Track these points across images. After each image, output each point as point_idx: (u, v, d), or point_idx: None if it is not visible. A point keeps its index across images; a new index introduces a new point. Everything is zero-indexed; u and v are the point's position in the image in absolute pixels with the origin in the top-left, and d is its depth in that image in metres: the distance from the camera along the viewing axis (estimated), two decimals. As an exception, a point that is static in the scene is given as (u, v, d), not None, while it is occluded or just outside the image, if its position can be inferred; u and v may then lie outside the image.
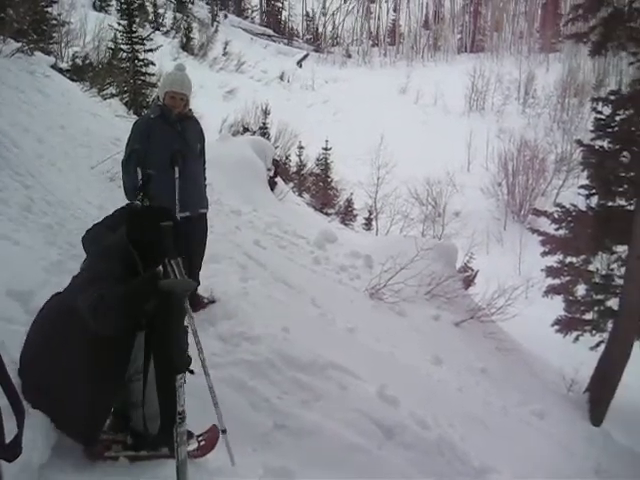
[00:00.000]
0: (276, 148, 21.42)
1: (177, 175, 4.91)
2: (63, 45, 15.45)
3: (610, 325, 11.87)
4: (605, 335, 12.05)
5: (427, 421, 5.04)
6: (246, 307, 5.73)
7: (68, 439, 3.18)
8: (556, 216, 12.63)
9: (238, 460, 3.62)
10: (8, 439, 1.62)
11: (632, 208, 11.26)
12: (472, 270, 16.43)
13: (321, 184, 27.48)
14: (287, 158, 27.22)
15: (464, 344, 9.16)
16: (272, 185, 14.81)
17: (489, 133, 42.50)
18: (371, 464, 4.31)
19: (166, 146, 4.94)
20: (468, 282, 13.05)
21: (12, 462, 1.62)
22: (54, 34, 14.26)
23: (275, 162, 16.07)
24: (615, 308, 11.73)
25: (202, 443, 3.60)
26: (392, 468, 4.36)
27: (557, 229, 12.61)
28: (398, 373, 6.09)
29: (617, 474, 7.58)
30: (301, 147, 27.85)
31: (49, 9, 13.34)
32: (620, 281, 11.83)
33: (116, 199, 7.85)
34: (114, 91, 14.83)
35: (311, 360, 4.94)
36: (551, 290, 13.00)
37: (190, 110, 5.25)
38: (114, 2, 27.18)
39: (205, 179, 5.48)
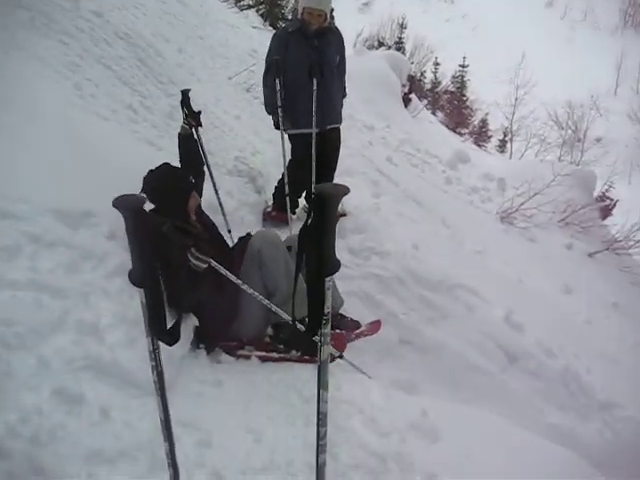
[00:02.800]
0: (411, 64, 20.93)
1: (315, 87, 4.92)
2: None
3: None
4: None
5: (553, 350, 4.95)
6: (377, 222, 5.75)
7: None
8: None
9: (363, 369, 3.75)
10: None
11: None
12: (611, 200, 15.66)
13: (456, 102, 26.80)
14: (422, 74, 26.60)
15: (597, 276, 8.83)
16: (406, 101, 14.58)
17: (644, 53, 39.14)
18: (493, 387, 4.32)
19: (303, 59, 4.94)
20: (606, 212, 12.48)
21: (172, 346, 1.76)
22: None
23: (410, 78, 15.75)
24: None
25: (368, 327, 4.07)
26: (513, 394, 4.35)
27: None
28: (526, 299, 5.98)
29: None
30: (437, 63, 27.10)
31: None
32: None
33: (253, 111, 8.03)
34: (251, 2, 14.88)
35: (439, 279, 4.94)
36: (697, 226, 12.19)
37: (331, 22, 5.18)
38: None
39: (345, 90, 5.45)
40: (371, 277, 4.71)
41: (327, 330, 1.65)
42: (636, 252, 10.37)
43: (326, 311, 1.63)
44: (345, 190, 1.58)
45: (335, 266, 1.64)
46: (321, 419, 1.79)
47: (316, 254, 1.60)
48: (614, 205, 14.09)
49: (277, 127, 5.14)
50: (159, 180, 3.58)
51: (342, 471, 2.78)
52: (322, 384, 1.76)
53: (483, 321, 4.76)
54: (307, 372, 3.39)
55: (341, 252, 4.98)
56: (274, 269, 3.62)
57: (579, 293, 7.57)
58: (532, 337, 4.95)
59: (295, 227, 5.12)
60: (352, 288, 4.53)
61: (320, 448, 1.86)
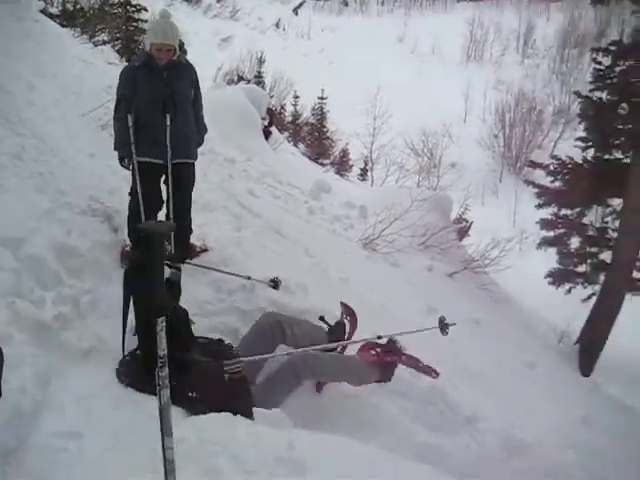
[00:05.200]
0: (271, 97, 21.18)
1: (168, 123, 4.82)
2: (53, -11, 15.10)
3: (602, 278, 11.92)
4: (597, 288, 12.12)
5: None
6: (239, 256, 5.69)
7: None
8: (552, 168, 12.58)
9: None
10: None
11: (628, 161, 11.20)
12: (466, 221, 16.42)
13: (316, 134, 27.27)
14: (282, 107, 26.97)
15: (457, 295, 9.19)
16: (267, 134, 14.69)
17: (487, 84, 41.97)
18: (363, 411, 4.35)
19: (154, 94, 4.83)
20: (462, 233, 13.05)
21: None
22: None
23: (270, 111, 15.91)
24: (608, 261, 11.77)
25: None
26: (383, 416, 4.39)
27: (552, 181, 12.59)
28: (391, 323, 6.09)
29: (605, 424, 7.67)
30: (296, 96, 27.59)
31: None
32: (614, 234, 11.84)
33: (108, 148, 7.77)
34: (106, 38, 14.57)
35: (304, 308, 4.93)
36: (545, 242, 13.02)
37: (181, 55, 5.07)
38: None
39: (205, 126, 5.38)
40: (235, 311, 4.63)
41: (164, 373, 1.56)
42: (492, 270, 10.90)
43: (161, 354, 1.54)
44: (171, 227, 1.52)
45: (166, 306, 1.55)
46: (168, 467, 1.68)
47: (145, 295, 1.51)
48: (470, 226, 14.76)
49: (122, 163, 5.00)
50: None
51: (210, 515, 2.67)
52: (165, 431, 1.65)
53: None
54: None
55: (203, 288, 4.87)
56: None
57: (442, 312, 7.75)
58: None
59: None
60: (215, 324, 4.43)
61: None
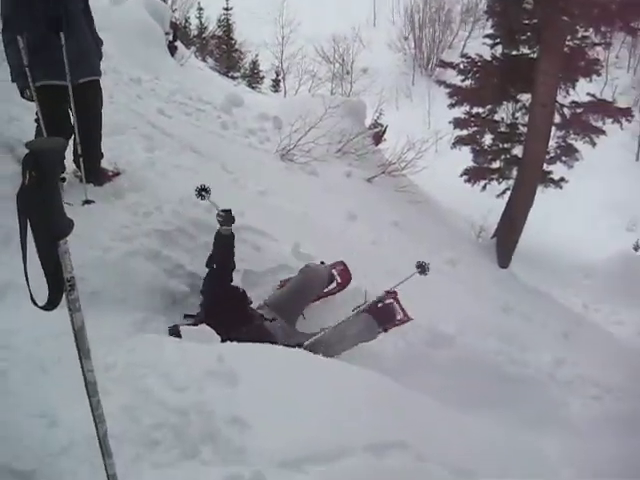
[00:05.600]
0: (173, 11, 20.25)
1: (63, 41, 4.47)
2: None
3: (515, 172, 12.26)
4: (511, 182, 12.47)
5: (344, 275, 5.14)
6: (153, 177, 5.54)
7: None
8: (462, 67, 12.62)
9: (156, 326, 3.66)
10: None
11: (535, 56, 11.35)
12: (382, 126, 16.46)
13: (224, 47, 26.38)
14: (186, 21, 25.90)
15: (377, 199, 9.30)
16: (172, 50, 14.10)
17: (394, -16, 41.00)
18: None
19: (40, 12, 4.44)
20: (378, 138, 13.09)
21: None
22: None
23: (173, 25, 15.22)
24: (520, 156, 12.08)
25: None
26: (309, 322, 4.48)
27: (463, 80, 12.65)
28: (313, 231, 6.14)
29: (523, 310, 8.07)
30: (200, 8, 26.45)
31: None
32: (524, 129, 12.11)
33: (3, 76, 7.32)
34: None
35: (224, 224, 4.88)
36: (459, 141, 13.22)
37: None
38: None
39: (99, 39, 5.04)
40: (153, 233, 4.53)
41: (74, 296, 1.50)
42: (409, 172, 11.04)
43: (68, 276, 1.48)
44: (62, 144, 1.42)
45: (66, 226, 1.47)
46: (90, 389, 1.65)
47: (42, 217, 1.43)
48: (385, 130, 14.80)
49: (23, 95, 4.62)
50: None
51: (145, 433, 2.69)
52: (83, 353, 1.61)
53: (272, 258, 4.81)
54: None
55: (120, 212, 4.74)
56: None
57: (363, 217, 7.91)
58: (321, 265, 5.09)
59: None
60: (136, 247, 4.33)
61: (97, 419, 1.74)
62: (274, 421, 2.77)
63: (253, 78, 25.25)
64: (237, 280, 4.44)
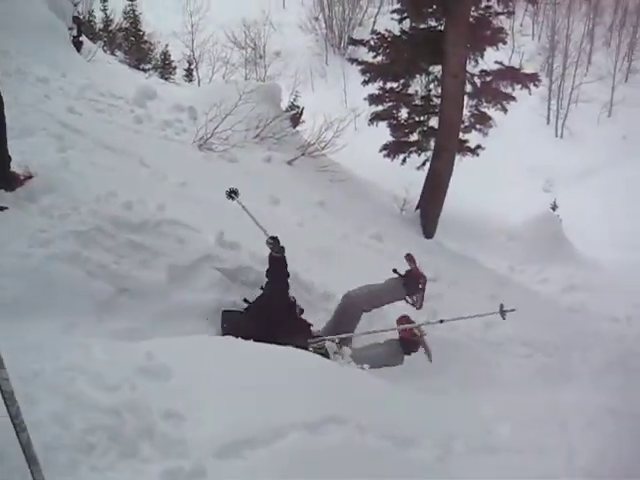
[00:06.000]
0: (76, 5, 19.61)
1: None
2: None
3: (433, 143, 12.47)
4: (429, 154, 12.67)
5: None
6: (68, 177, 5.37)
7: None
8: (372, 44, 12.71)
9: (83, 330, 3.58)
10: None
11: (442, 28, 11.53)
12: (298, 108, 16.47)
13: (132, 39, 25.77)
14: (90, 14, 25.16)
15: (299, 181, 9.32)
16: (77, 46, 13.71)
17: (300, -35, 40.88)
18: (222, 305, 4.41)
19: None
20: (295, 120, 13.10)
21: None
22: None
23: (76, 19, 14.78)
24: (436, 127, 12.29)
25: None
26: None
27: (375, 56, 12.75)
28: (236, 218, 6.09)
29: (451, 277, 8.28)
30: (104, 0, 25.72)
31: None
32: (438, 100, 12.32)
33: None
34: None
35: (143, 219, 4.78)
36: (375, 117, 13.34)
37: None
38: None
39: None
40: (71, 235, 4.40)
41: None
42: (329, 151, 11.10)
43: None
44: None
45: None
46: (7, 398, 1.62)
47: None
48: (301, 112, 14.82)
49: None
50: None
51: (79, 438, 2.63)
52: (-4, 363, 1.58)
53: (196, 250, 4.75)
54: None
55: (35, 217, 4.57)
56: None
57: (286, 200, 7.92)
58: (247, 252, 5.07)
59: None
60: (54, 251, 4.21)
61: (18, 427, 1.70)
62: (209, 410, 2.76)
63: (165, 69, 24.80)
64: (162, 275, 4.39)
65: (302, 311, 4.71)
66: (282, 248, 4.66)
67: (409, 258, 5.01)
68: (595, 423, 5.19)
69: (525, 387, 5.96)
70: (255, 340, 3.73)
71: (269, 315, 4.31)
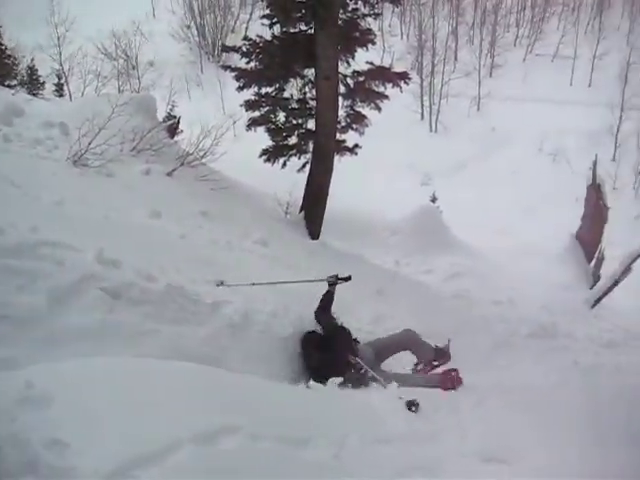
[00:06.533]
0: None
1: None
2: None
3: (311, 145, 12.63)
4: (309, 156, 12.82)
5: (153, 274, 5.05)
6: None
7: None
8: (245, 50, 12.72)
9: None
10: None
11: (312, 31, 11.71)
12: (175, 117, 16.26)
13: (-6, 54, 24.58)
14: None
15: (180, 192, 9.21)
16: None
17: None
18: (106, 325, 4.29)
19: None
20: (172, 131, 12.92)
21: None
22: None
23: None
24: (313, 129, 12.45)
25: None
26: (125, 328, 4.37)
27: (248, 62, 12.77)
28: (116, 234, 5.96)
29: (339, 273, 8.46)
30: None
31: None
32: (314, 103, 12.49)
33: None
34: None
35: (18, 242, 4.59)
36: (253, 123, 13.36)
37: None
38: None
39: None
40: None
41: None
42: (209, 160, 11.03)
43: None
44: None
45: None
46: None
47: None
48: (178, 122, 14.61)
49: None
50: None
51: (-43, 479, 2.51)
52: None
53: (76, 269, 4.60)
54: None
55: None
56: None
57: (168, 212, 7.79)
58: (130, 268, 4.97)
59: None
60: None
61: None
62: (96, 434, 2.69)
63: (33, 84, 23.82)
64: (42, 299, 4.22)
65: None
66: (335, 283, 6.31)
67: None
68: (485, 400, 5.44)
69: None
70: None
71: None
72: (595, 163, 14.44)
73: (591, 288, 13.26)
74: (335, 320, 6.14)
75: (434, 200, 20.83)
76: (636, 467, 4.12)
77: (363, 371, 5.54)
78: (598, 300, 12.40)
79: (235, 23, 41.89)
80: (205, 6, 41.18)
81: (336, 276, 6.20)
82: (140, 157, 9.69)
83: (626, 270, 12.19)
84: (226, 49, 16.54)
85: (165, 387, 3.20)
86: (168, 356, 4.05)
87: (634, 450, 4.27)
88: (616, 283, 12.35)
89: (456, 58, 44.72)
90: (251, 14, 40.83)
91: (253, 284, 5.90)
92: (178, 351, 4.35)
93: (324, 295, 6.20)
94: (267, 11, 12.99)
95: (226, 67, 13.89)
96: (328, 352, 5.57)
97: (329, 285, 6.19)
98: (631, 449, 4.27)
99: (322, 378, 5.09)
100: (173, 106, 19.22)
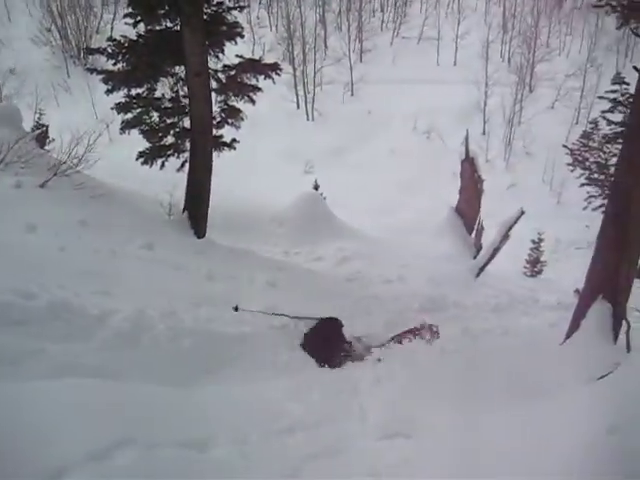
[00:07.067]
0: None
1: None
2: None
3: (189, 144, 12.46)
4: (187, 154, 12.64)
5: (32, 291, 4.89)
6: None
7: None
8: (110, 51, 12.34)
9: None
10: None
11: (178, 28, 11.53)
12: (43, 126, 15.62)
13: None
14: None
15: (56, 203, 8.87)
16: None
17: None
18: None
19: None
20: (42, 140, 12.42)
21: None
22: None
23: None
24: (189, 127, 12.29)
25: None
26: (7, 347, 4.22)
27: (115, 64, 12.40)
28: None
29: (227, 272, 8.44)
30: None
31: None
32: (186, 101, 12.31)
33: None
34: None
35: None
36: (126, 125, 13.00)
37: None
38: None
39: None
40: None
41: None
42: (84, 167, 10.69)
43: None
44: None
45: None
46: None
47: None
48: (46, 130, 14.07)
49: None
50: None
51: None
52: None
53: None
54: None
55: None
56: None
57: (43, 225, 7.50)
58: (6, 288, 4.79)
59: None
60: None
61: None
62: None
63: None
64: None
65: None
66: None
67: None
68: (383, 378, 5.62)
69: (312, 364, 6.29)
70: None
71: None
72: (467, 138, 15.10)
73: (474, 258, 13.88)
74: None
75: (317, 187, 21.02)
76: (516, 415, 4.41)
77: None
78: (482, 269, 13.03)
79: (99, 24, 40.56)
80: (65, 7, 39.55)
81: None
82: (8, 170, 9.26)
83: (504, 238, 12.89)
84: (91, 52, 15.95)
85: (52, 409, 3.11)
86: (58, 375, 3.93)
87: (513, 400, 4.59)
88: (496, 251, 13.03)
89: (326, 45, 45.22)
90: (115, 13, 39.68)
91: (273, 314, 6.95)
92: (71, 368, 4.23)
93: None
94: (130, 9, 12.65)
95: (92, 70, 13.40)
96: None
97: None
98: (512, 399, 4.59)
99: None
100: (41, 114, 18.45)
